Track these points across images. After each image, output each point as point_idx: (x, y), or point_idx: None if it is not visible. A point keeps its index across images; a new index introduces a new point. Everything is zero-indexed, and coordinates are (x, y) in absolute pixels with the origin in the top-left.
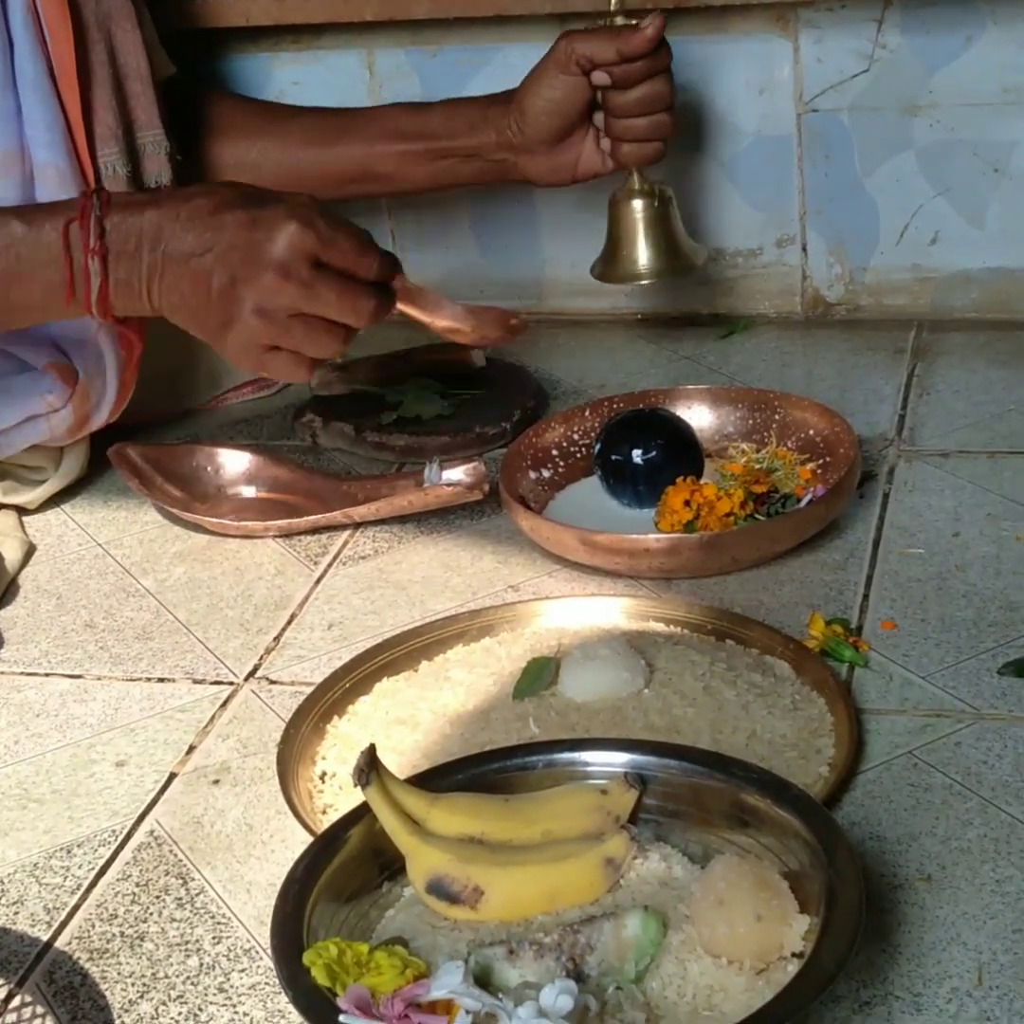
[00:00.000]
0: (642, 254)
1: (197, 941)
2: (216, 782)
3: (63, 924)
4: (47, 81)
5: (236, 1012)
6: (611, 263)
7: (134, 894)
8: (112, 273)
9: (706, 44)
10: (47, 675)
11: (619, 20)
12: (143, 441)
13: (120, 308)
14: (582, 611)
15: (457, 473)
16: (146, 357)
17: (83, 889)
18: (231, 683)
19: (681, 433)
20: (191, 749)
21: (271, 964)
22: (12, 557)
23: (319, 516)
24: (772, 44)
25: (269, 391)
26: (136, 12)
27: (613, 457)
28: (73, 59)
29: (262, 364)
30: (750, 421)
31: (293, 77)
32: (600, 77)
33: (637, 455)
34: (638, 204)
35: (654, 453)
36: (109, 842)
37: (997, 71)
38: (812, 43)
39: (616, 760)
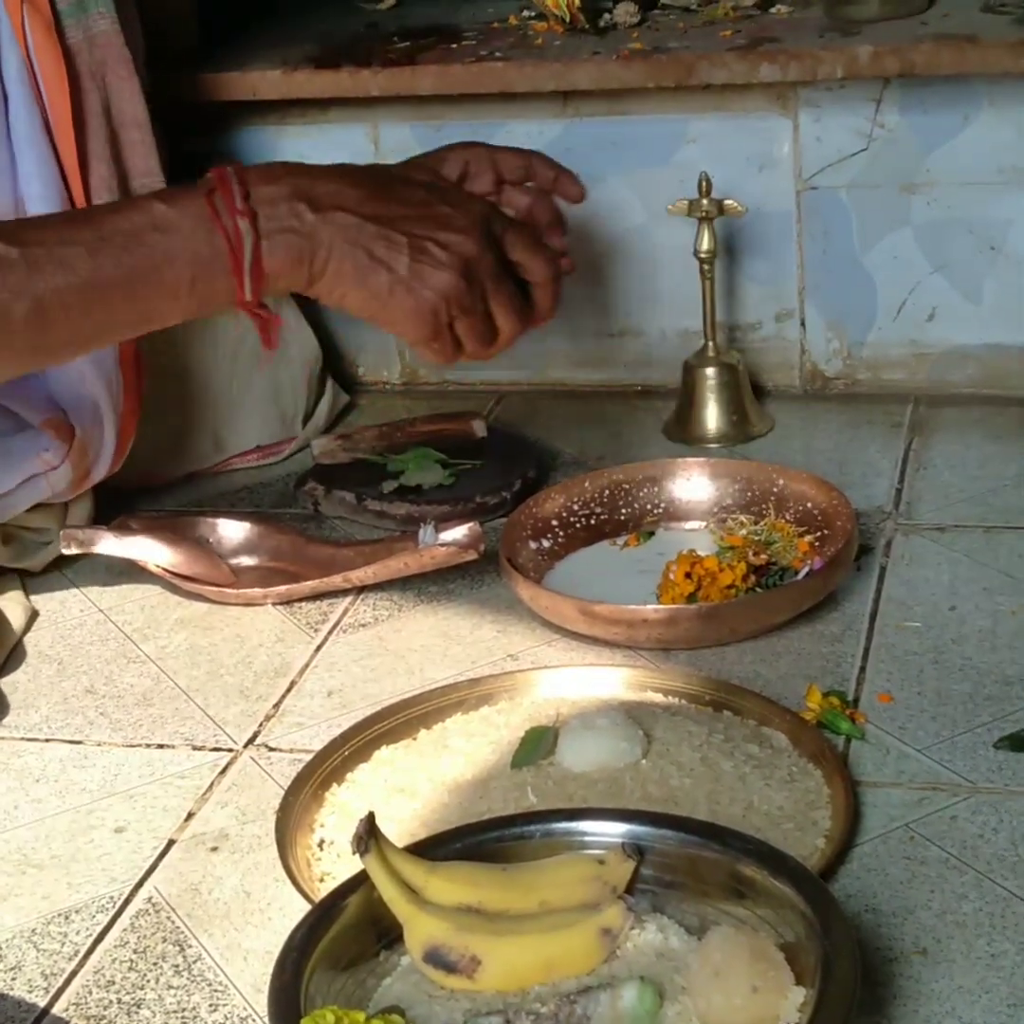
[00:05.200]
0: (711, 420)
1: (194, 1009)
2: (214, 849)
3: (60, 990)
4: (42, 134)
5: None
6: (682, 425)
7: (132, 961)
8: (264, 234)
9: (707, 121)
10: (47, 740)
11: None
12: (146, 507)
13: (274, 276)
14: (580, 681)
15: (453, 533)
16: (149, 420)
17: (81, 955)
18: (230, 750)
19: None
20: (190, 816)
21: None
22: (16, 622)
23: (318, 581)
24: (772, 122)
25: (275, 458)
26: (133, 59)
27: None
28: (69, 110)
29: (439, 331)
30: (749, 493)
31: (299, 151)
32: None
33: None
34: (710, 371)
35: None
36: (107, 909)
37: (993, 151)
38: (812, 122)
39: (613, 830)
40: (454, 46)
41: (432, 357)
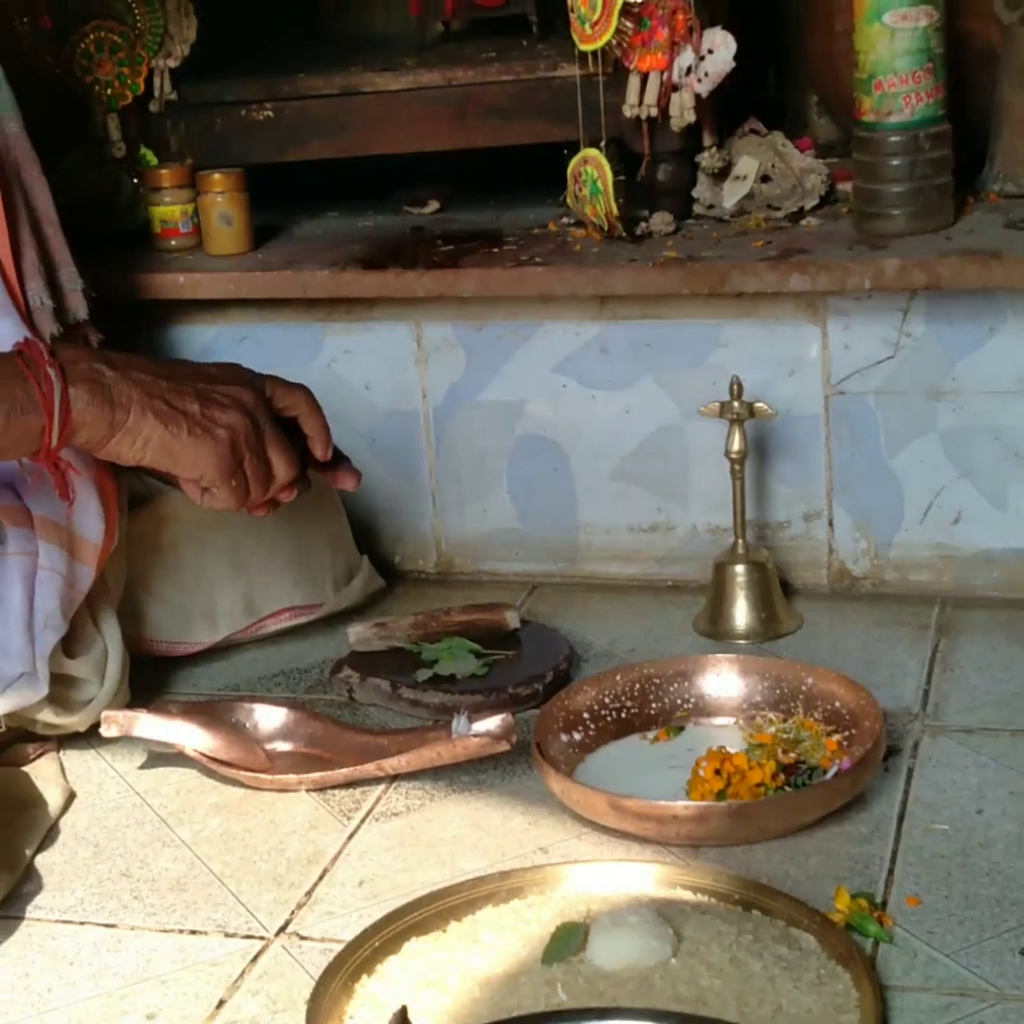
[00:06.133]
0: (740, 616)
1: None
2: None
3: None
4: None
5: None
6: (712, 621)
7: None
8: (71, 382)
9: (739, 327)
10: (82, 923)
11: None
12: (183, 684)
13: (80, 422)
14: (611, 876)
15: (485, 724)
16: (180, 588)
17: None
18: (262, 937)
19: None
20: (221, 1004)
21: None
22: (53, 804)
23: (352, 769)
24: (802, 329)
25: (307, 617)
26: (40, 161)
27: None
28: (0, 199)
29: (234, 470)
30: (777, 691)
31: (344, 346)
32: None
33: None
34: (739, 569)
35: None
36: None
37: (1018, 360)
38: (840, 329)
39: None
40: (496, 250)
41: (225, 499)
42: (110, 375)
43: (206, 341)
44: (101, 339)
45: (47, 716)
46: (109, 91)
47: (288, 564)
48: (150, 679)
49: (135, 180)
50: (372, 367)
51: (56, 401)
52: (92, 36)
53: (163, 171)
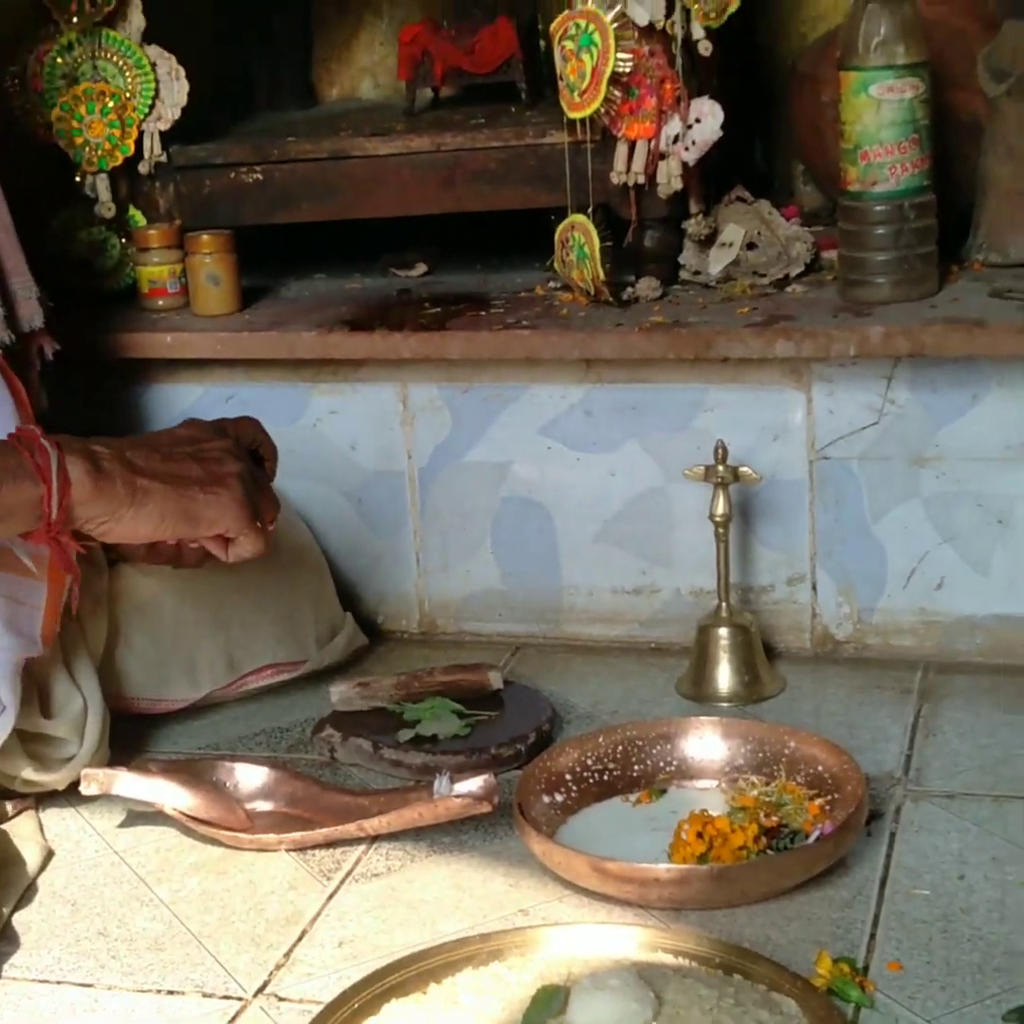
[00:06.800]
0: (723, 679)
1: None
2: None
3: None
4: None
5: None
6: (695, 683)
7: None
8: (67, 451)
9: (724, 392)
10: (59, 983)
11: None
12: (164, 742)
13: (80, 496)
14: (592, 939)
15: (467, 785)
16: (164, 644)
17: None
18: (240, 998)
19: None
20: None
21: None
22: (32, 862)
23: (332, 829)
24: (786, 394)
25: (290, 675)
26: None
27: None
28: None
29: (254, 515)
30: (760, 754)
31: (330, 406)
32: None
33: None
34: (723, 631)
35: None
36: None
37: (1001, 428)
38: (825, 395)
39: None
40: (483, 313)
41: (254, 543)
42: (108, 453)
43: (191, 400)
44: (57, 351)
45: (27, 774)
46: (99, 152)
47: (271, 620)
48: (130, 737)
49: (123, 240)
50: (358, 428)
51: (53, 468)
52: (83, 98)
53: (151, 231)
